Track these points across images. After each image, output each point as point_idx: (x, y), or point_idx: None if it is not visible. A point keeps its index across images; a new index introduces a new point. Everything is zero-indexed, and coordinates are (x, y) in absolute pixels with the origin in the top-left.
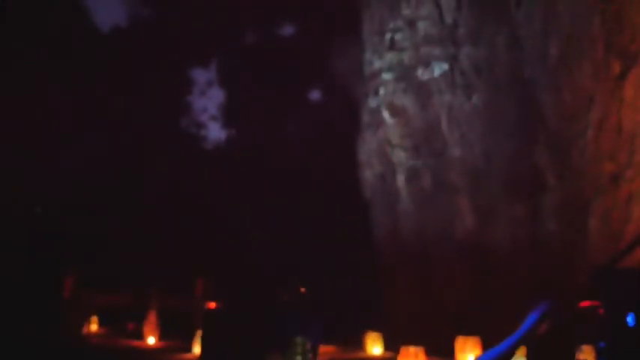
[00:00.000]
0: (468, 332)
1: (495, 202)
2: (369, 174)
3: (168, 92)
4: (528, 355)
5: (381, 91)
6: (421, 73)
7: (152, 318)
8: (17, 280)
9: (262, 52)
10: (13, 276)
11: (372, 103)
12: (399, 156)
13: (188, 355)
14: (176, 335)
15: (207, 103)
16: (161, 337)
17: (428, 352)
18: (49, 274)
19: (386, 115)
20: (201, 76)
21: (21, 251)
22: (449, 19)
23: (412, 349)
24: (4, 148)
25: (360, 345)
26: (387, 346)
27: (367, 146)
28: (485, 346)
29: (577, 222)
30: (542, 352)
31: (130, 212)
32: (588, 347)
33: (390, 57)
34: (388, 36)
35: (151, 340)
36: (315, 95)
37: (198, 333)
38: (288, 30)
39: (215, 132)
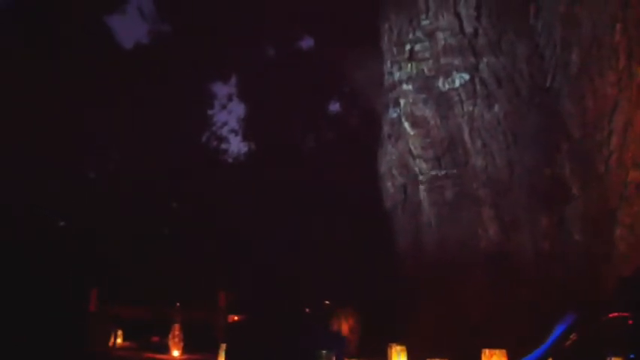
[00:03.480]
0: (493, 345)
1: (519, 213)
2: (390, 185)
3: (190, 106)
4: None
5: (402, 102)
6: (442, 84)
7: (176, 331)
8: (43, 293)
9: (282, 66)
10: (38, 290)
11: (393, 114)
12: (421, 167)
13: None
14: (200, 348)
15: (228, 117)
16: (185, 350)
17: None
18: (74, 288)
19: (406, 125)
20: (221, 90)
21: (46, 265)
22: (469, 28)
23: None
24: (29, 162)
25: (384, 357)
26: (412, 359)
27: (388, 157)
28: (511, 359)
29: (602, 232)
30: None
31: (154, 225)
32: (618, 359)
33: (410, 68)
34: (408, 47)
35: (176, 353)
36: (334, 107)
37: (223, 346)
38: (307, 43)
39: (236, 145)
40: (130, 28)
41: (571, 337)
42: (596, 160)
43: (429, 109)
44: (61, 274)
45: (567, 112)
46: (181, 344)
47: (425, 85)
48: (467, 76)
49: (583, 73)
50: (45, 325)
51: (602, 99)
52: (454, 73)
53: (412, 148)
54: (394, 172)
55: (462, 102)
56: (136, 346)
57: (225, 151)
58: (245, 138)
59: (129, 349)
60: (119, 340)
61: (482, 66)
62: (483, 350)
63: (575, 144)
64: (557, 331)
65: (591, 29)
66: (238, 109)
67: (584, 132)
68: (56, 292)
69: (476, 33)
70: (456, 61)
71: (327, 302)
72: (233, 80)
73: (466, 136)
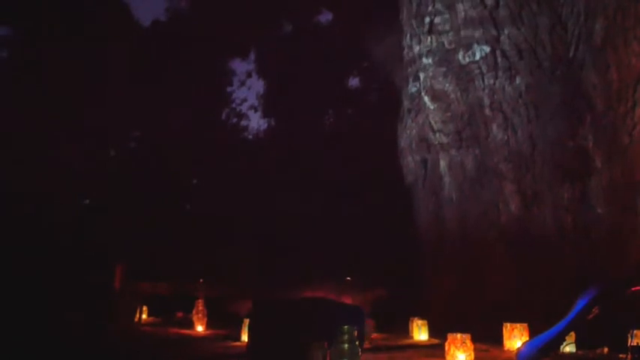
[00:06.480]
0: (515, 319)
1: (540, 187)
2: (410, 160)
3: (209, 84)
4: (578, 340)
5: (421, 76)
6: (462, 57)
7: (200, 307)
8: (68, 270)
9: (300, 41)
10: (63, 267)
11: (412, 88)
12: (441, 141)
13: (236, 343)
14: (223, 324)
15: (247, 94)
16: (209, 325)
17: (474, 339)
18: (99, 265)
19: (427, 100)
20: (240, 66)
21: (71, 242)
22: (489, 0)
23: (459, 335)
24: (54, 140)
25: (405, 332)
26: (433, 333)
27: (408, 132)
28: (532, 332)
29: (626, 205)
30: (593, 337)
31: (177, 202)
32: None
33: (430, 41)
34: (427, 19)
35: (200, 329)
36: (354, 82)
37: (246, 321)
38: (325, 17)
39: (255, 122)
40: (147, 5)
41: (593, 310)
42: (620, 132)
43: (449, 82)
44: (86, 251)
45: (591, 83)
46: (205, 319)
47: (445, 59)
48: (487, 49)
49: (607, 44)
50: (70, 302)
51: (626, 70)
52: (474, 45)
53: (432, 122)
54: (414, 146)
55: (482, 75)
56: (161, 322)
57: (245, 127)
58: (265, 114)
59: (154, 324)
60: (144, 316)
61: (503, 38)
62: (504, 324)
63: (598, 116)
64: (580, 304)
65: None
66: (257, 85)
67: (607, 104)
68: (81, 269)
69: (497, 4)
70: (477, 34)
71: (348, 278)
72: (251, 57)
73: (487, 110)
